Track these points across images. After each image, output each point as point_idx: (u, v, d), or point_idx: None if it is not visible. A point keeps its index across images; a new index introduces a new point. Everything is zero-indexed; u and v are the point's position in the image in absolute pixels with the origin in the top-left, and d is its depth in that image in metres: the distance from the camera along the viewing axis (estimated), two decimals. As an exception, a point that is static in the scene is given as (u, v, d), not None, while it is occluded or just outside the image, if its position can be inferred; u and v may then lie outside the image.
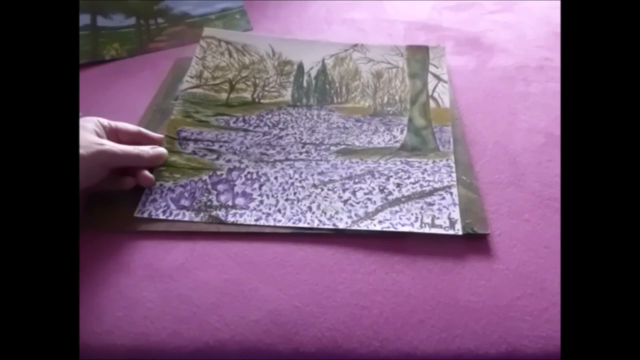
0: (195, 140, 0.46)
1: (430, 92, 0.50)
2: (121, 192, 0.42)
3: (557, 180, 0.42)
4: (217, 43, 0.55)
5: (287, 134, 0.46)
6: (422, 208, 0.39)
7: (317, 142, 0.45)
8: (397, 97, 0.50)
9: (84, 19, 0.66)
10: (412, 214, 0.39)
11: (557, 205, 0.40)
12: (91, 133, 0.40)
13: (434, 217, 0.38)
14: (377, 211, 0.39)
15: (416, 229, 0.38)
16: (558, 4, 0.67)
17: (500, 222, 0.39)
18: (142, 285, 0.36)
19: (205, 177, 0.43)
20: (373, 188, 0.41)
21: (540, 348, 0.31)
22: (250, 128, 0.47)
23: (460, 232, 0.37)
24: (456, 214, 0.38)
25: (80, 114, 0.53)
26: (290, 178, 0.42)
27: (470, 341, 0.32)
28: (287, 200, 0.40)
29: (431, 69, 0.53)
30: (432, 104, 0.49)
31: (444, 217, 0.38)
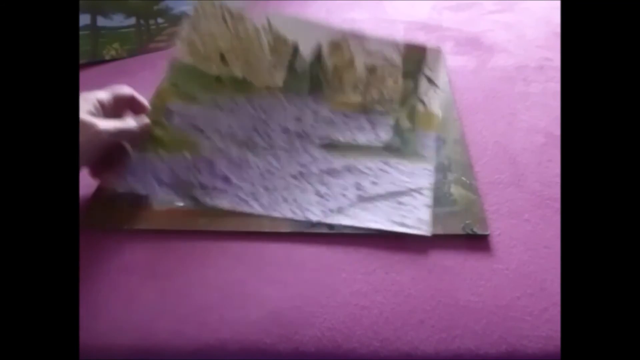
0: (182, 115, 0.45)
1: (420, 96, 0.49)
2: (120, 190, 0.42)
3: (557, 180, 0.42)
4: (212, 4, 0.50)
5: (274, 121, 0.45)
6: (393, 207, 0.39)
7: (303, 133, 0.44)
8: (387, 96, 0.48)
9: (84, 19, 0.66)
10: (382, 212, 0.38)
11: (557, 205, 0.40)
12: (84, 113, 0.38)
13: (403, 217, 0.38)
14: (349, 207, 0.39)
15: (385, 226, 0.37)
16: (558, 4, 0.67)
17: (500, 222, 0.39)
18: (142, 285, 0.36)
19: (187, 154, 0.42)
20: (349, 184, 0.41)
21: (540, 348, 0.31)
22: (238, 110, 0.46)
23: (427, 234, 0.37)
24: (426, 215, 0.38)
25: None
26: (271, 166, 0.42)
27: (470, 341, 0.32)
28: (264, 188, 0.40)
29: (426, 71, 0.51)
30: (420, 107, 0.48)
31: (413, 217, 0.38)
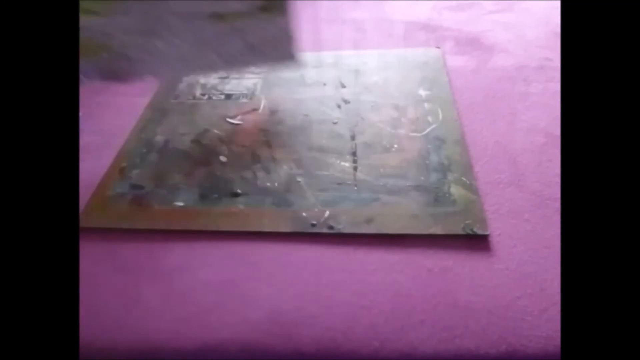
0: (90, 27, 0.48)
1: None
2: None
3: (557, 180, 0.42)
4: None
5: (165, 9, 0.50)
6: (271, 46, 0.50)
7: (191, 11, 0.50)
8: None
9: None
10: (261, 56, 0.49)
11: (557, 205, 0.40)
12: None
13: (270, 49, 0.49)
14: (241, 56, 0.50)
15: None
16: (558, 4, 0.67)
17: (500, 222, 0.39)
18: (142, 285, 0.36)
19: (104, 54, 0.47)
20: (239, 40, 0.49)
21: (540, 348, 0.31)
22: (133, 9, 0.49)
23: (295, 61, 0.49)
24: (291, 44, 0.49)
25: (81, 113, 0.53)
26: (175, 44, 0.49)
27: (470, 341, 0.32)
28: (176, 59, 0.49)
29: None
30: None
31: (282, 52, 0.49)
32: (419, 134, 0.47)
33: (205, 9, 0.50)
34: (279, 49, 0.50)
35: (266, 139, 0.48)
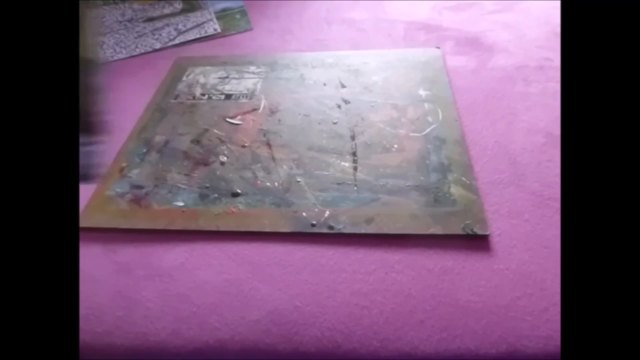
0: None
1: None
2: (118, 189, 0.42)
3: (557, 180, 0.42)
4: None
5: (109, 19, 0.70)
6: (195, 30, 0.68)
7: (130, 19, 0.70)
8: None
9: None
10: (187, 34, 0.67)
11: (557, 205, 0.40)
12: None
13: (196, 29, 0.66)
14: (175, 38, 0.66)
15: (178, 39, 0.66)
16: (558, 4, 0.67)
17: (500, 222, 0.39)
18: (142, 285, 0.36)
19: None
20: (170, 30, 0.68)
21: (540, 348, 0.31)
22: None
23: (217, 31, 0.65)
24: (215, 26, 0.67)
25: (80, 113, 0.53)
26: (120, 38, 0.67)
27: (470, 341, 0.32)
28: (122, 47, 0.65)
29: None
30: None
31: (208, 27, 0.68)
32: (419, 134, 0.47)
33: (140, 15, 0.70)
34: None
35: (266, 139, 0.48)
